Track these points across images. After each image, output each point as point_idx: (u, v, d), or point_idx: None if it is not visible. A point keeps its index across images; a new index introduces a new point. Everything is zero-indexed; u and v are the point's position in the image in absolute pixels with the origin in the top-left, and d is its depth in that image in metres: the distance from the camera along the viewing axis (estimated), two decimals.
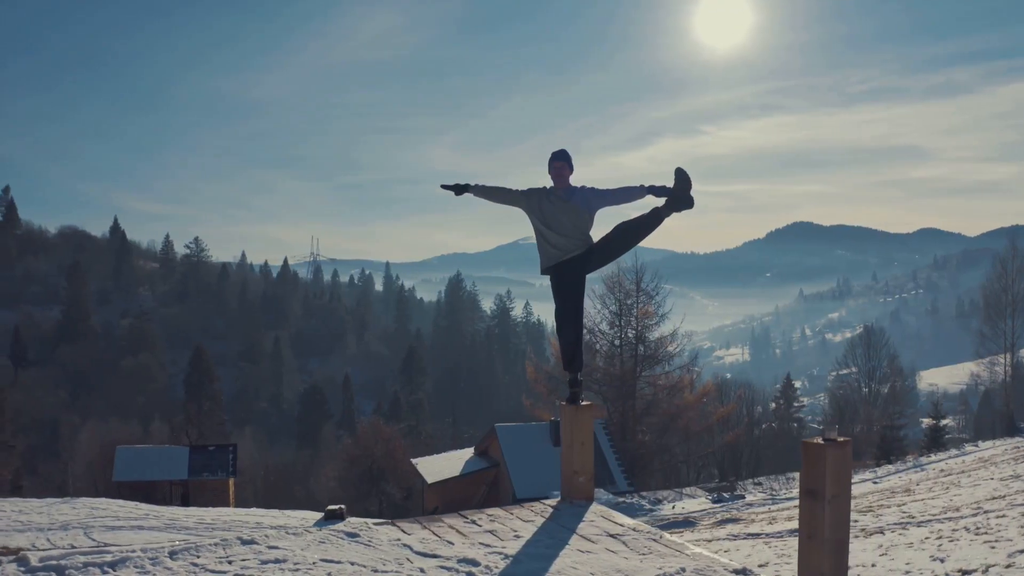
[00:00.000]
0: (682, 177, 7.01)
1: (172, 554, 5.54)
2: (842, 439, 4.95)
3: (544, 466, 42.21)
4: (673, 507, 36.42)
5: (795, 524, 17.99)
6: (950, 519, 15.23)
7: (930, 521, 15.39)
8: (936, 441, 47.50)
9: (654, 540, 5.95)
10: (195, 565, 5.36)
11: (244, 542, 5.83)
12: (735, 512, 28.35)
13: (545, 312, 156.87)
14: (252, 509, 32.96)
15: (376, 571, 5.23)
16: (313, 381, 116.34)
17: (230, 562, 5.42)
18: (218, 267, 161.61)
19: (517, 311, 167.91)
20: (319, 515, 13.62)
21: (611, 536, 6.07)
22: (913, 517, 16.57)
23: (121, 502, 33.94)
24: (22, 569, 5.25)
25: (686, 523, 24.80)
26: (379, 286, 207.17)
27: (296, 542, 5.83)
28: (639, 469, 49.06)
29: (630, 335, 50.94)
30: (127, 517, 23.13)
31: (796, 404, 79.83)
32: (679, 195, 6.95)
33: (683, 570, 5.22)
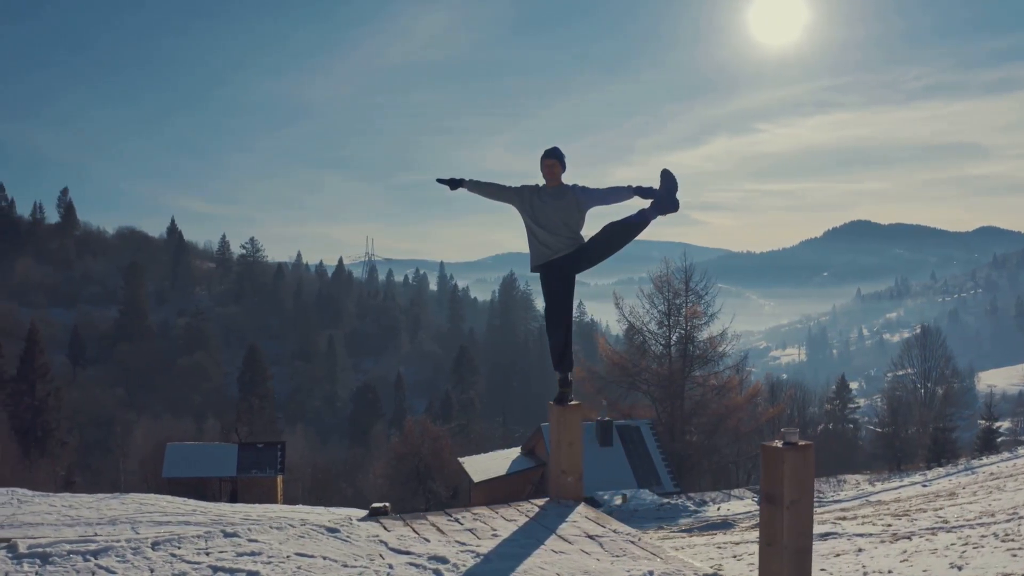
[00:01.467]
0: (668, 179, 6.89)
1: (154, 544, 5.68)
2: (803, 443, 4.82)
3: (590, 465, 41.86)
4: (718, 509, 36.10)
5: (825, 528, 17.84)
6: (983, 524, 14.98)
7: (962, 526, 15.13)
8: (989, 443, 46.66)
9: (631, 542, 5.92)
10: (174, 556, 5.48)
11: (226, 535, 5.94)
12: None
13: (599, 312, 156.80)
14: (298, 506, 33.29)
15: (346, 566, 5.30)
16: (366, 380, 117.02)
17: (208, 553, 5.54)
18: (273, 267, 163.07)
19: None
20: (364, 512, 13.74)
21: (589, 537, 6.05)
22: (947, 522, 16.31)
23: (169, 498, 34.40)
24: (10, 556, 5.46)
25: (724, 525, 24.61)
26: (433, 286, 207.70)
27: (276, 536, 5.92)
28: (687, 470, 48.76)
29: (679, 335, 50.60)
30: (174, 513, 23.46)
31: (851, 405, 78.80)
32: (664, 197, 6.85)
33: (651, 573, 5.20)
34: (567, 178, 7.20)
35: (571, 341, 7.36)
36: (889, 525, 17.02)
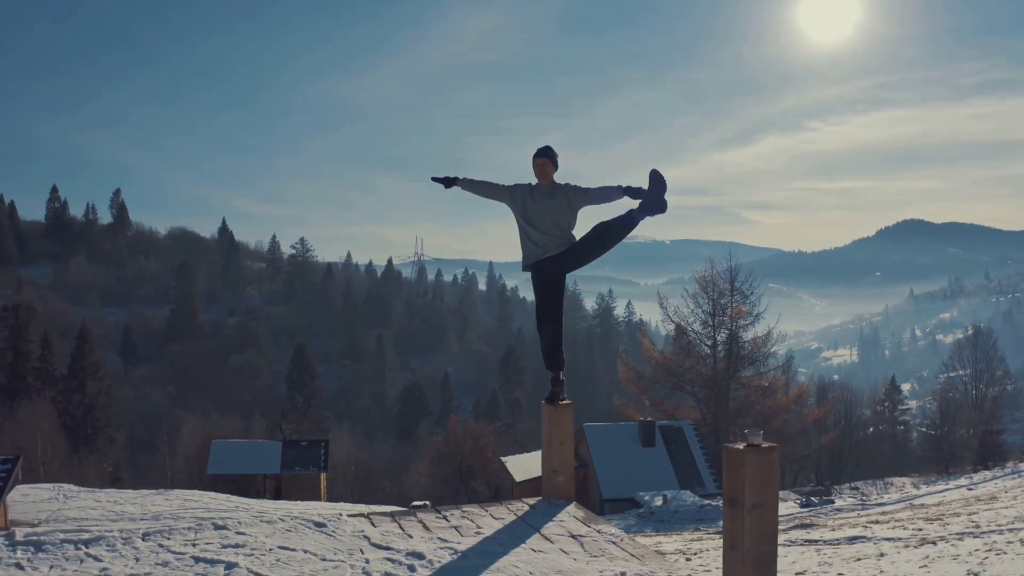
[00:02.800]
0: (656, 180, 6.82)
1: (145, 535, 5.86)
2: (766, 445, 4.74)
3: (632, 466, 42.08)
4: None
5: (855, 531, 17.68)
6: (1012, 530, 14.76)
7: (992, 532, 14.92)
8: None
9: (613, 543, 5.94)
10: (161, 546, 5.65)
11: (216, 527, 6.11)
12: (813, 518, 27.82)
13: (648, 312, 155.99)
14: (339, 504, 33.58)
15: (324, 559, 5.42)
16: (414, 379, 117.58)
17: (194, 545, 5.71)
18: (323, 267, 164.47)
19: (619, 310, 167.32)
20: (404, 510, 13.91)
21: (572, 536, 6.08)
22: (979, 527, 16.09)
23: (213, 494, 34.88)
24: (7, 543, 5.68)
25: None
26: (482, 286, 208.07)
27: (264, 529, 6.06)
28: None
29: (724, 335, 50.30)
30: (217, 509, 23.82)
31: (901, 407, 77.84)
32: (652, 198, 6.79)
33: (623, 574, 5.23)
34: (559, 176, 7.19)
35: (561, 340, 7.44)
36: (920, 529, 16.83)
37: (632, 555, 5.68)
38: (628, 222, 6.96)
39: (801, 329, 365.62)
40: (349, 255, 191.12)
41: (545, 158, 7.09)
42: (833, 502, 37.09)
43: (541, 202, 7.01)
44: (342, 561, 5.35)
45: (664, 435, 44.76)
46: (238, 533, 5.94)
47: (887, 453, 66.61)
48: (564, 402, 7.50)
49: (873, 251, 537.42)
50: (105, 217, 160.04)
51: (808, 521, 25.75)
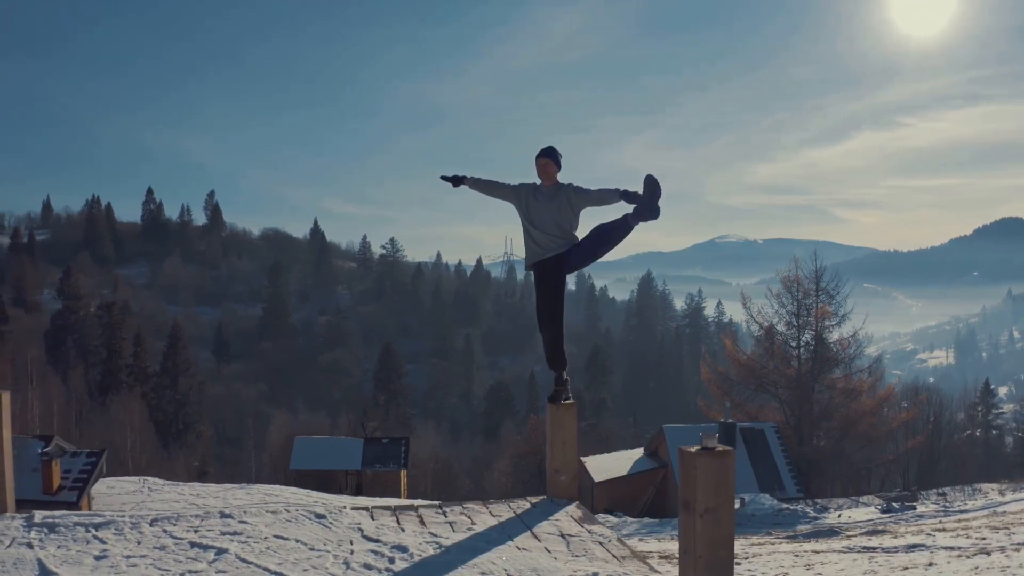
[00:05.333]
0: (650, 185, 6.87)
1: (153, 521, 6.23)
2: (720, 448, 4.72)
3: None
4: (839, 516, 35.34)
5: (918, 539, 17.43)
6: None
7: None
8: None
9: (600, 544, 6.04)
10: (165, 531, 6.04)
11: (222, 515, 6.45)
12: (889, 524, 27.39)
13: (739, 312, 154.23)
14: (416, 500, 34.08)
15: (312, 549, 5.71)
16: (500, 378, 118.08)
17: (196, 531, 6.08)
18: (413, 267, 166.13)
19: (709, 310, 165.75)
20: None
21: (561, 536, 6.21)
22: None
23: (293, 489, 35.73)
24: (24, 524, 6.12)
25: (829, 532, 24.18)
26: (572, 285, 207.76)
27: (266, 519, 6.38)
28: (816, 475, 47.79)
29: (808, 336, 49.62)
30: (296, 504, 24.42)
31: (996, 411, 75.84)
32: (645, 204, 6.86)
33: (595, 574, 5.37)
34: (563, 176, 7.29)
35: (563, 339, 7.48)
36: (983, 539, 16.50)
37: (614, 556, 5.78)
38: (623, 226, 7.06)
39: (896, 330, 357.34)
40: (439, 255, 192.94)
41: (547, 158, 7.18)
42: (915, 508, 36.32)
43: (543, 202, 7.12)
44: (328, 551, 5.63)
45: (745, 437, 44.30)
46: (240, 522, 6.26)
47: (979, 458, 64.89)
48: (567, 402, 7.59)
49: (970, 250, 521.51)
50: (199, 218, 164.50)
51: (881, 528, 25.39)
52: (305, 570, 5.23)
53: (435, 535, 6.07)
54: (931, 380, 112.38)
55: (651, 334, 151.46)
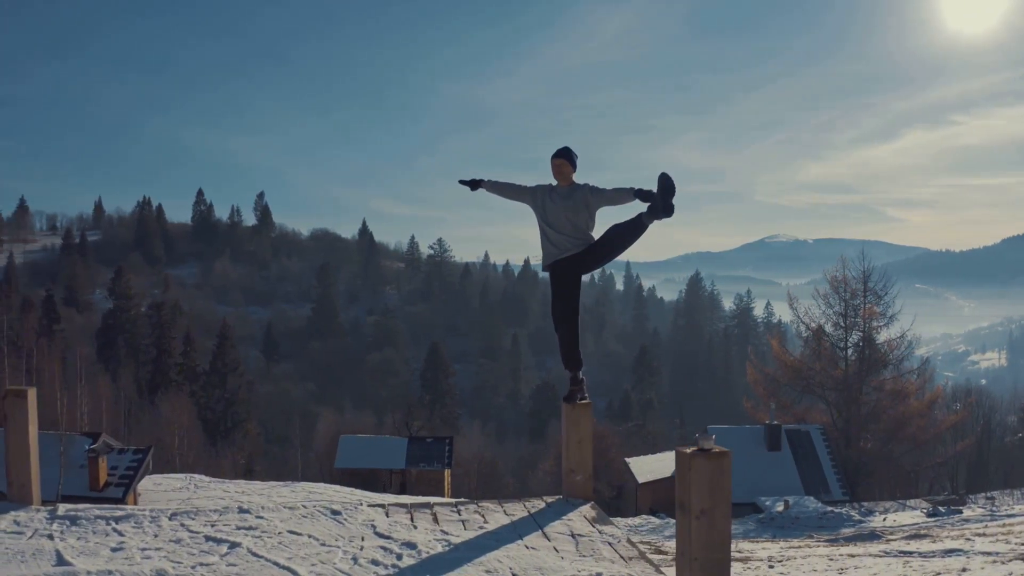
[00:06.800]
0: (664, 184, 6.85)
1: (172, 515, 6.40)
2: (717, 450, 4.71)
3: (756, 470, 41.46)
4: (884, 519, 34.90)
5: (957, 544, 17.24)
6: None
7: None
8: None
9: (609, 544, 6.05)
10: (182, 525, 6.22)
11: (241, 511, 6.62)
12: (933, 528, 27.02)
13: (788, 313, 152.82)
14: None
15: (324, 544, 5.84)
16: (548, 378, 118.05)
17: (213, 525, 6.24)
18: (461, 267, 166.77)
19: (758, 311, 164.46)
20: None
21: (572, 536, 6.24)
22: None
23: (337, 487, 36.09)
24: (48, 516, 6.34)
25: (871, 536, 23.90)
26: (620, 286, 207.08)
27: (283, 515, 6.54)
28: (863, 478, 47.32)
29: (856, 337, 49.14)
30: (340, 502, 24.66)
31: None
32: (659, 202, 6.85)
33: (599, 574, 5.42)
34: (579, 176, 7.30)
35: (578, 339, 7.45)
36: (1023, 544, 16.33)
37: (621, 557, 5.79)
38: (637, 225, 7.08)
39: (948, 331, 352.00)
40: (487, 255, 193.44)
41: (563, 159, 7.20)
42: (961, 512, 35.79)
43: (559, 203, 7.14)
44: (338, 547, 5.75)
45: (791, 439, 43.99)
46: (257, 517, 6.41)
47: None
48: (583, 401, 7.63)
49: None
50: (249, 219, 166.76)
51: (923, 532, 25.12)
52: (313, 565, 5.35)
53: (446, 533, 6.16)
54: (983, 382, 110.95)
55: (699, 335, 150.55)
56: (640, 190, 6.90)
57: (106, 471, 30.91)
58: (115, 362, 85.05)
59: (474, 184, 7.54)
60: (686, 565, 4.82)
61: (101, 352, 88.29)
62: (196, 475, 34.89)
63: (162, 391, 71.17)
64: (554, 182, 7.31)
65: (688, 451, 4.80)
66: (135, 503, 29.25)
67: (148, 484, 32.12)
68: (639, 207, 7.06)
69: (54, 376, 38.33)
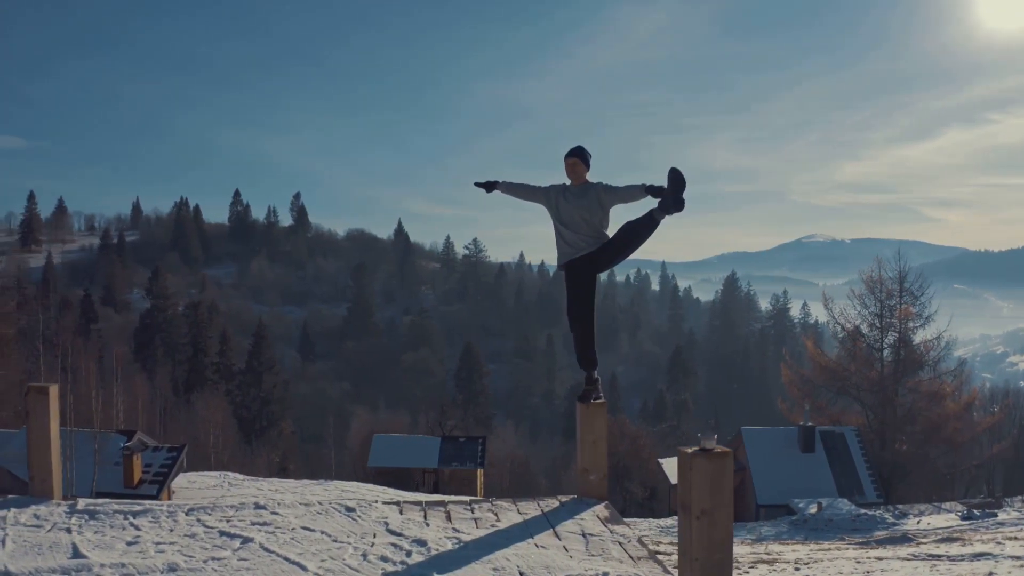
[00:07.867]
0: (675, 178, 6.81)
1: (189, 511, 6.52)
2: (719, 450, 4.71)
3: (789, 471, 41.25)
4: (918, 522, 34.57)
5: (987, 548, 17.09)
6: None
7: None
8: None
9: (619, 544, 6.06)
10: (198, 520, 6.34)
11: (257, 507, 6.74)
12: (966, 532, 26.77)
13: (824, 313, 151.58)
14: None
15: (335, 540, 5.92)
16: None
17: (228, 520, 6.35)
18: (496, 267, 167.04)
19: (795, 311, 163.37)
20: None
21: (583, 535, 6.25)
22: None
23: (370, 486, 36.30)
24: (67, 511, 6.47)
25: (903, 539, 23.72)
26: (655, 286, 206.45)
27: (298, 511, 6.64)
28: (898, 480, 46.90)
29: (892, 338, 48.71)
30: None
31: None
32: (670, 197, 6.82)
33: (605, 574, 5.45)
34: (592, 176, 7.33)
35: (593, 339, 7.48)
36: None
37: (629, 557, 5.80)
38: (649, 222, 7.03)
39: (987, 332, 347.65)
40: (522, 255, 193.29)
41: (576, 158, 7.21)
42: (996, 515, 35.41)
43: (573, 202, 7.16)
44: (349, 543, 5.82)
45: (825, 441, 43.70)
46: (272, 513, 6.52)
47: None
48: (597, 401, 7.62)
49: None
50: (285, 219, 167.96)
51: (956, 535, 24.89)
52: (323, 560, 5.43)
53: (457, 530, 6.21)
54: (1022, 384, 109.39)
55: (735, 335, 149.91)
56: (651, 186, 6.90)
57: (140, 468, 31.29)
58: (152, 361, 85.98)
59: (489, 186, 7.57)
60: (687, 565, 4.83)
61: (138, 351, 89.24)
62: (230, 473, 35.27)
63: (198, 390, 71.99)
64: (568, 181, 7.33)
65: (689, 451, 4.79)
66: (169, 500, 29.57)
67: (182, 482, 32.49)
68: (651, 203, 7.04)
69: (90, 375, 38.86)
